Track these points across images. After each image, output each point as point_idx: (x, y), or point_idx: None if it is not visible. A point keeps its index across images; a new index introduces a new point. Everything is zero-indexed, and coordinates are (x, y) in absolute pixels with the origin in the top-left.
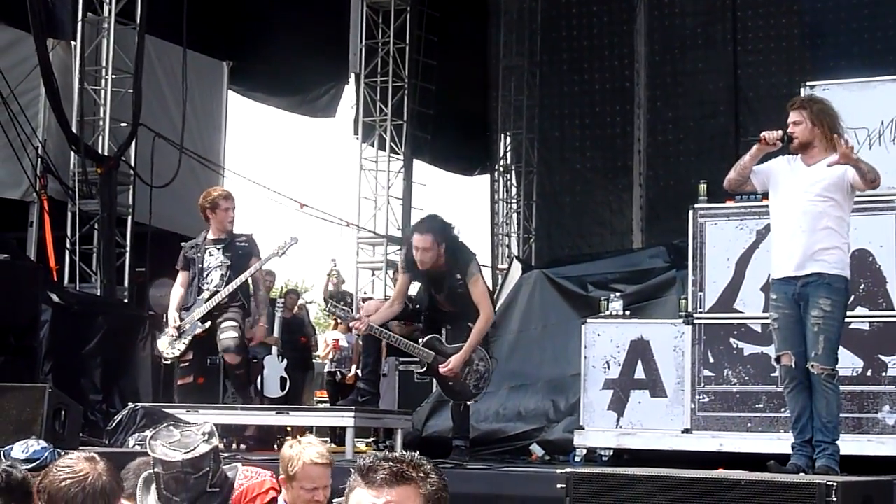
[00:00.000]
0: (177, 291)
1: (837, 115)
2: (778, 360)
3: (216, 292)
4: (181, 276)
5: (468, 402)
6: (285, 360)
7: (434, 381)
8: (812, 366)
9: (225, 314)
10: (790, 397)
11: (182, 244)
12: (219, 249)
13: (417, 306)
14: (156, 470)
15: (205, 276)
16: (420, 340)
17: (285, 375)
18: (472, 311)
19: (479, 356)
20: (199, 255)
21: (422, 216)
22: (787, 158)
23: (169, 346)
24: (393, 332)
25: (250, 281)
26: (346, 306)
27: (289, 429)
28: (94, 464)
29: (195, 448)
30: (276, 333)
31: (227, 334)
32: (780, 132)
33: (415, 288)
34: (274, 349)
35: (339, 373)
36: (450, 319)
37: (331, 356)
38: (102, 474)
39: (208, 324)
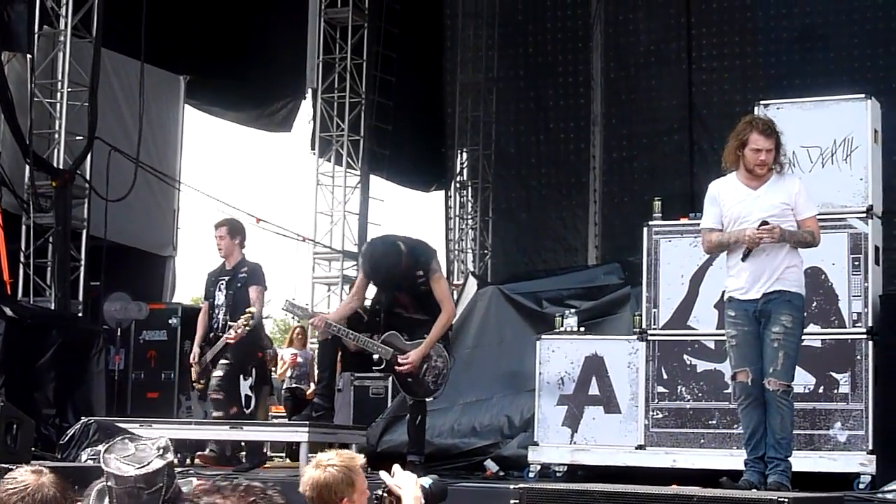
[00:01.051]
0: (201, 322)
1: None
2: (734, 376)
3: (219, 337)
4: (204, 306)
5: (425, 399)
6: (251, 378)
7: (390, 393)
8: (769, 381)
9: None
10: (744, 413)
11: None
12: (225, 284)
13: (377, 318)
14: (108, 484)
15: (215, 312)
16: (378, 337)
17: (249, 394)
18: (432, 314)
19: (437, 352)
20: (211, 287)
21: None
22: (726, 182)
23: (196, 379)
24: (350, 330)
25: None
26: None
27: (243, 444)
28: (40, 476)
29: (149, 463)
30: None
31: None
32: (755, 232)
33: (371, 296)
34: None
35: (297, 389)
36: (408, 327)
37: (288, 373)
38: (45, 485)
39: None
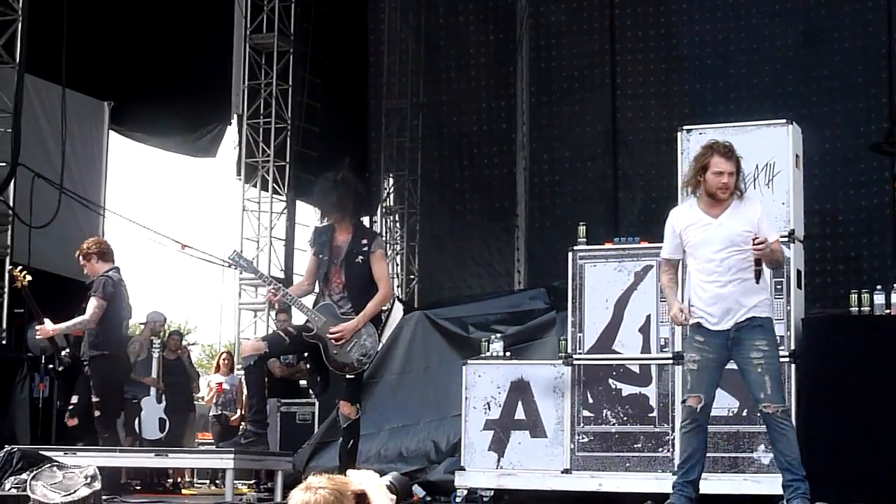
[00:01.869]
0: None
1: None
2: (684, 400)
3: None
4: None
5: (349, 376)
6: (164, 402)
7: (317, 419)
8: (766, 406)
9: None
10: (686, 437)
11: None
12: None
13: (305, 356)
14: None
15: None
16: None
17: (164, 417)
18: (357, 307)
19: (368, 332)
20: None
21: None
22: (686, 208)
23: None
24: (295, 298)
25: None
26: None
27: (170, 471)
28: None
29: (75, 491)
30: (154, 374)
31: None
32: (676, 315)
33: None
34: (153, 390)
35: (223, 415)
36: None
37: (214, 400)
38: None
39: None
